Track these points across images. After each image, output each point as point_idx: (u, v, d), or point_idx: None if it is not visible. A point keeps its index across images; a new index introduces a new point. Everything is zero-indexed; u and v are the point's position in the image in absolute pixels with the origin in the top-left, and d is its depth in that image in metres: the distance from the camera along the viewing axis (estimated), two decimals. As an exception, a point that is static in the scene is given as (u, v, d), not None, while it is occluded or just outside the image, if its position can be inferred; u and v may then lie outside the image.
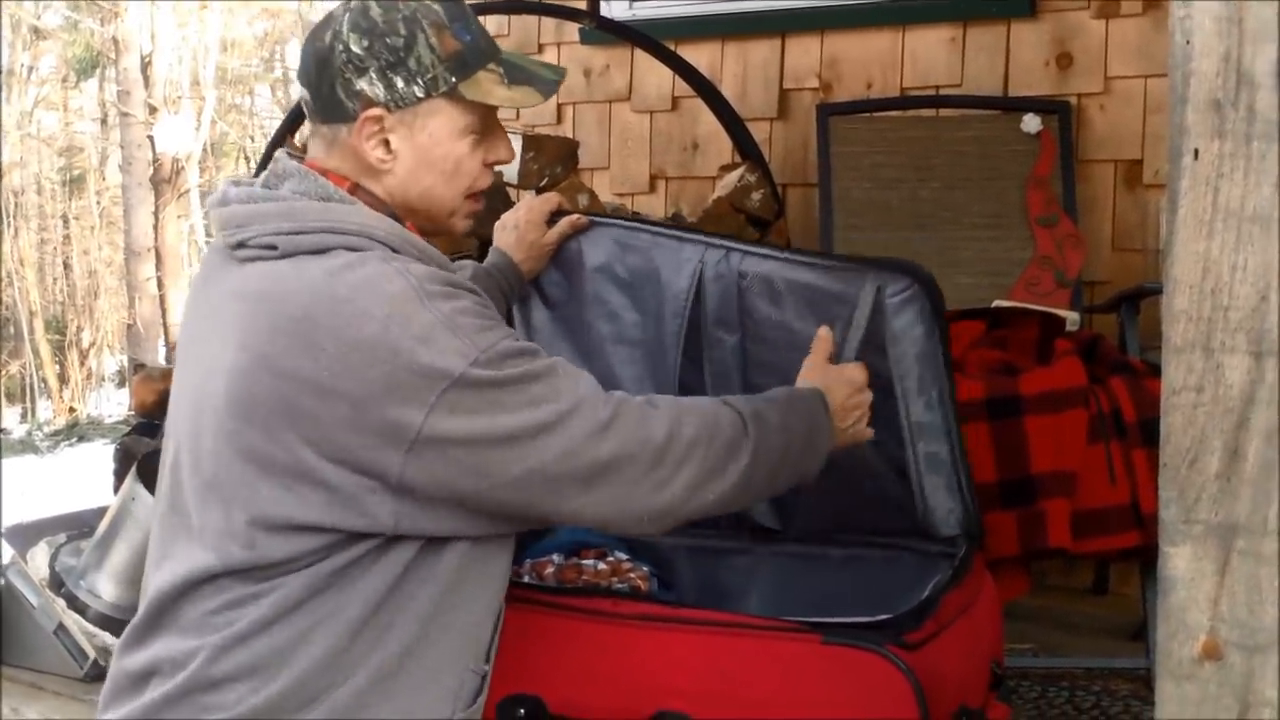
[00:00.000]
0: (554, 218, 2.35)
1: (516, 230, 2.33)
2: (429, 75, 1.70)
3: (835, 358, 2.04)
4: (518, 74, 1.75)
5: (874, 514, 2.28)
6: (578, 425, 1.63)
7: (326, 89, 1.70)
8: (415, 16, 1.70)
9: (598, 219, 2.38)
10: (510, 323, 2.34)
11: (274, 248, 1.66)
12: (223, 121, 15.90)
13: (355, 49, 1.69)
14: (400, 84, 1.70)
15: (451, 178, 1.76)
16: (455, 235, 1.86)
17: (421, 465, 1.60)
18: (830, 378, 1.96)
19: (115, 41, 14.43)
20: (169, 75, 14.69)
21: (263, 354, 1.62)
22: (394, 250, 1.66)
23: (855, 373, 1.98)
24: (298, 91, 1.77)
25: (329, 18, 1.73)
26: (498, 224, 2.36)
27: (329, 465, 1.60)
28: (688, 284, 2.27)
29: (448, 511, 1.65)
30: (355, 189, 1.72)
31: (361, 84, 1.69)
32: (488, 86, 1.72)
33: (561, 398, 1.64)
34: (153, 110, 14.21)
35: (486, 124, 1.76)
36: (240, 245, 1.68)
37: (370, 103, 1.70)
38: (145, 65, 14.29)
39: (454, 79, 1.71)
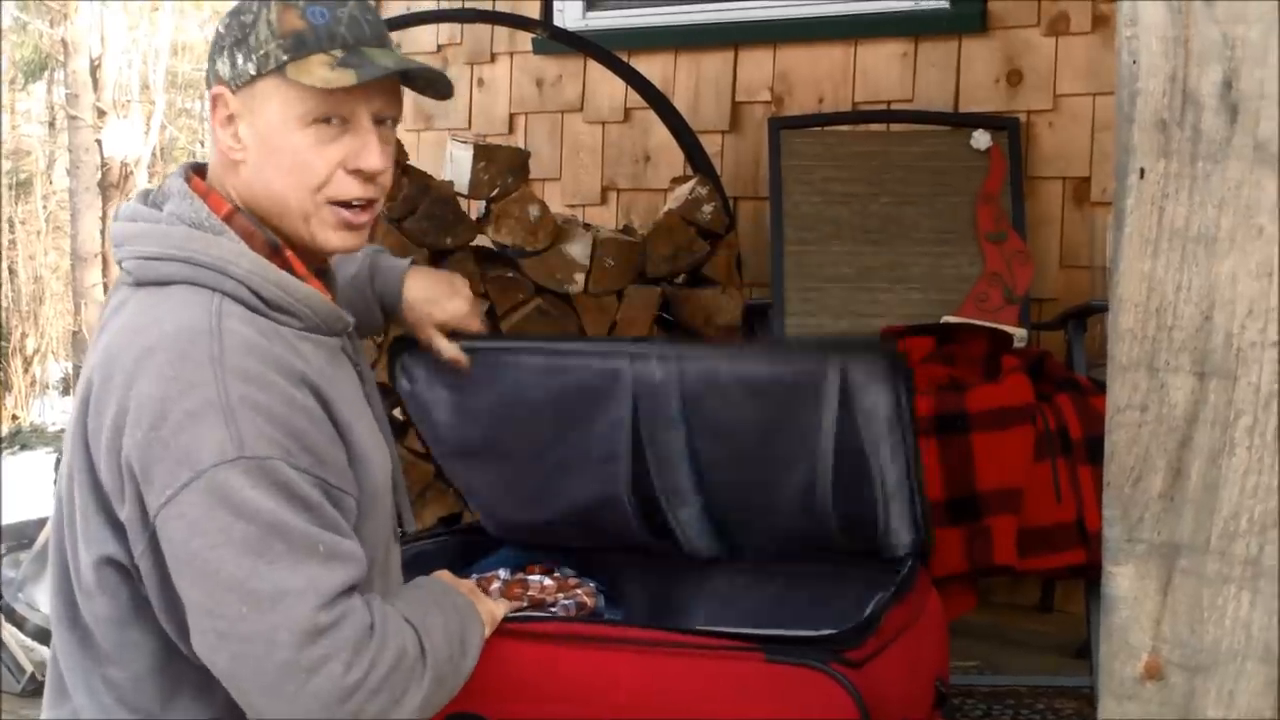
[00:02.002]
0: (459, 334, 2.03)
1: (431, 303, 1.98)
2: (261, 52, 1.58)
3: (810, 437, 1.95)
4: (356, 60, 1.58)
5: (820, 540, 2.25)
6: (291, 615, 1.43)
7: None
8: None
9: (497, 347, 2.12)
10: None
11: (131, 273, 1.60)
12: (172, 126, 15.76)
13: (219, 27, 1.62)
14: (240, 60, 1.59)
15: (292, 172, 1.59)
16: (327, 250, 1.67)
17: (148, 560, 1.50)
18: (457, 581, 1.79)
19: (64, 43, 14.28)
20: (118, 78, 14.55)
21: (86, 393, 1.55)
22: (252, 290, 1.55)
23: (498, 611, 1.79)
24: None
25: None
26: (430, 275, 2.04)
27: (108, 523, 1.54)
28: (624, 393, 2.06)
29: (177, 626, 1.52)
30: (233, 215, 1.61)
31: (218, 63, 1.61)
32: (311, 68, 1.57)
33: (293, 574, 1.44)
34: (101, 114, 14.06)
35: (342, 119, 1.60)
36: (120, 265, 1.63)
37: (219, 81, 1.61)
38: (94, 68, 14.15)
39: (285, 58, 1.57)
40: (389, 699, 1.49)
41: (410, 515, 1.84)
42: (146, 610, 1.54)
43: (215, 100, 1.61)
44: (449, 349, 1.99)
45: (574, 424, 2.10)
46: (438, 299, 1.97)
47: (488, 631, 1.72)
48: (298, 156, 1.59)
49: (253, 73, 1.58)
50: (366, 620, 1.49)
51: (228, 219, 1.61)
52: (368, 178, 1.62)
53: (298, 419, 1.50)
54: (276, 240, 1.62)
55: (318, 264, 1.71)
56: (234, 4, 1.63)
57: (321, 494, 1.51)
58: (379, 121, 1.63)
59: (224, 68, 1.60)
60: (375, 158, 1.61)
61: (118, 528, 1.52)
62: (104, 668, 1.58)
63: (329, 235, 1.63)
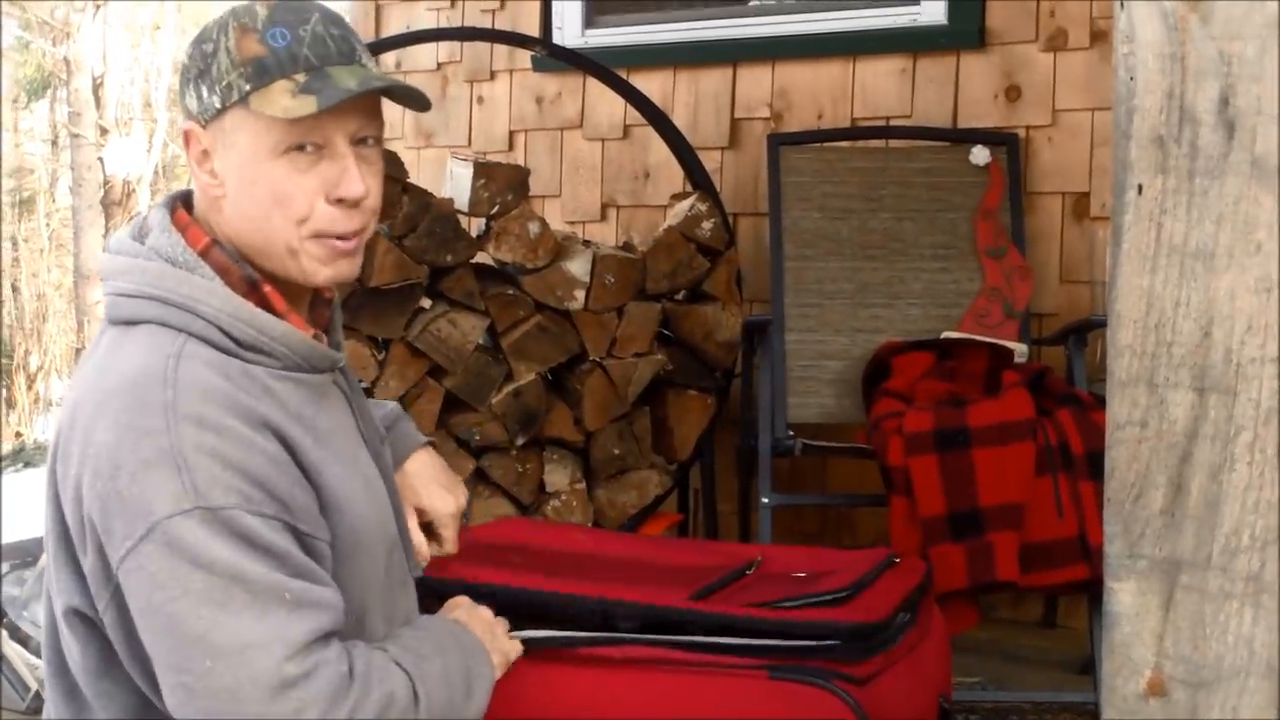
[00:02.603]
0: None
1: (423, 484, 1.84)
2: (224, 83, 1.49)
3: None
4: (318, 84, 1.49)
5: None
6: (256, 667, 1.38)
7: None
8: (226, 19, 1.52)
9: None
10: None
11: (107, 311, 1.55)
12: (174, 144, 15.78)
13: (184, 58, 1.55)
14: (205, 93, 1.51)
15: (271, 205, 1.51)
16: (319, 284, 1.58)
17: (112, 613, 1.46)
18: (472, 617, 1.70)
19: (67, 62, 14.32)
20: (121, 97, 14.58)
21: (55, 441, 1.52)
22: (222, 330, 1.49)
23: (513, 650, 1.73)
24: None
25: None
26: (438, 463, 1.89)
27: (74, 574, 1.50)
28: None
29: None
30: (210, 249, 1.54)
31: (186, 97, 1.54)
32: (274, 97, 1.48)
33: (257, 625, 1.39)
34: (104, 132, 14.10)
35: (316, 145, 1.51)
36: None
37: (189, 116, 1.54)
38: (97, 86, 14.19)
39: (248, 88, 1.49)
40: None
41: (413, 560, 1.73)
42: (118, 662, 1.50)
43: (187, 136, 1.55)
44: (417, 535, 1.80)
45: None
46: (430, 484, 1.83)
47: (499, 673, 1.65)
48: (275, 188, 1.50)
49: (218, 106, 1.50)
50: (343, 668, 1.42)
51: (204, 253, 1.54)
52: (351, 205, 1.53)
53: (257, 463, 1.43)
54: (255, 276, 1.55)
55: (309, 294, 1.63)
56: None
57: (290, 539, 1.44)
58: (359, 141, 1.55)
59: (192, 102, 1.53)
60: (355, 184, 1.52)
61: (83, 579, 1.48)
62: (87, 714, 1.54)
63: (320, 270, 1.55)
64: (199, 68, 1.52)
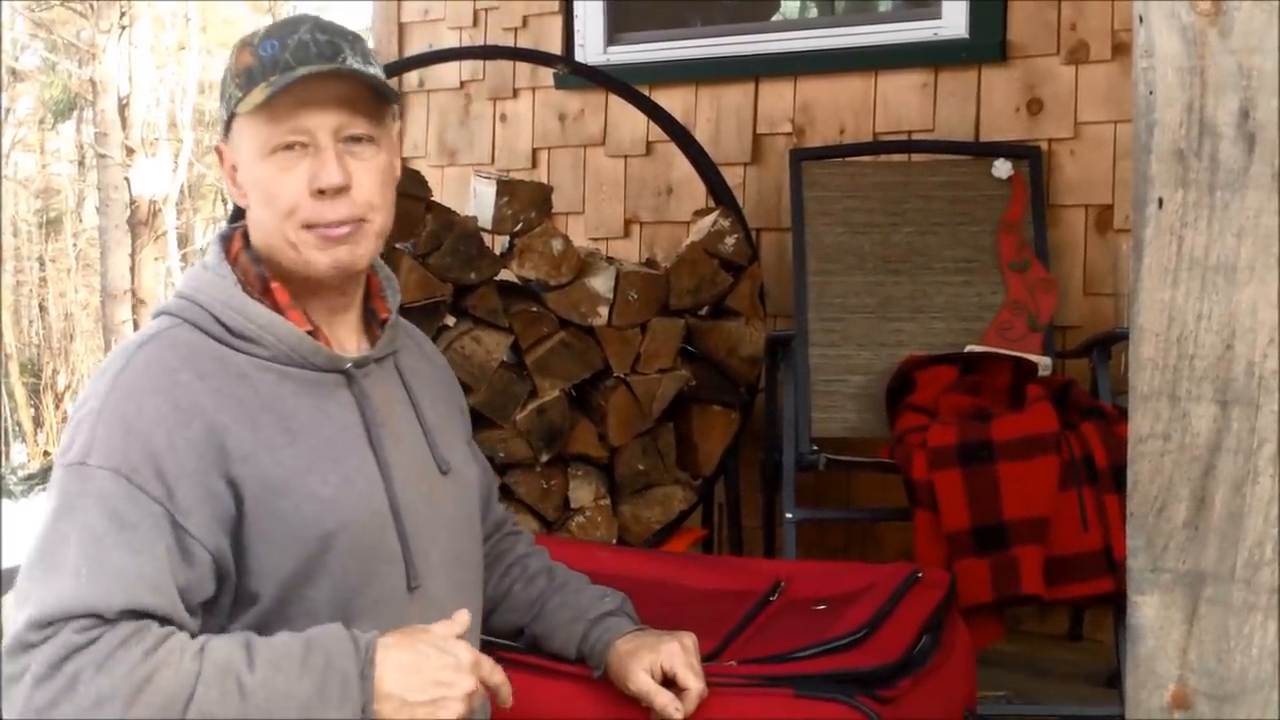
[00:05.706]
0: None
1: (632, 655, 1.82)
2: (227, 95, 1.63)
3: None
4: (281, 80, 1.57)
5: None
6: (17, 621, 1.43)
7: None
8: (240, 39, 1.65)
9: None
10: None
11: None
12: (200, 163, 15.88)
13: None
14: (221, 111, 1.66)
15: (266, 204, 1.61)
16: (319, 272, 1.63)
17: None
18: (416, 639, 1.53)
19: (93, 83, 14.43)
20: (146, 117, 14.68)
21: None
22: (215, 318, 1.59)
23: (459, 649, 1.54)
24: None
25: None
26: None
27: None
28: None
29: None
30: (238, 255, 1.67)
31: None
32: (250, 99, 1.58)
33: (38, 583, 1.44)
34: (130, 152, 14.19)
35: (303, 144, 1.60)
36: None
37: (221, 137, 1.69)
38: (123, 107, 14.29)
39: (240, 95, 1.60)
40: None
41: (415, 570, 1.65)
42: None
43: (219, 155, 1.68)
44: (662, 694, 1.77)
45: None
46: (642, 648, 1.81)
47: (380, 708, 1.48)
48: (266, 187, 1.61)
49: (224, 118, 1.64)
50: (58, 653, 1.40)
51: (234, 260, 1.66)
52: (334, 195, 1.60)
53: (157, 440, 1.49)
54: (265, 274, 1.65)
55: (348, 309, 1.71)
56: None
57: (153, 520, 1.47)
58: (350, 140, 1.62)
59: (220, 124, 1.67)
60: (331, 174, 1.58)
61: None
62: None
63: (318, 258, 1.62)
64: (221, 91, 1.65)
